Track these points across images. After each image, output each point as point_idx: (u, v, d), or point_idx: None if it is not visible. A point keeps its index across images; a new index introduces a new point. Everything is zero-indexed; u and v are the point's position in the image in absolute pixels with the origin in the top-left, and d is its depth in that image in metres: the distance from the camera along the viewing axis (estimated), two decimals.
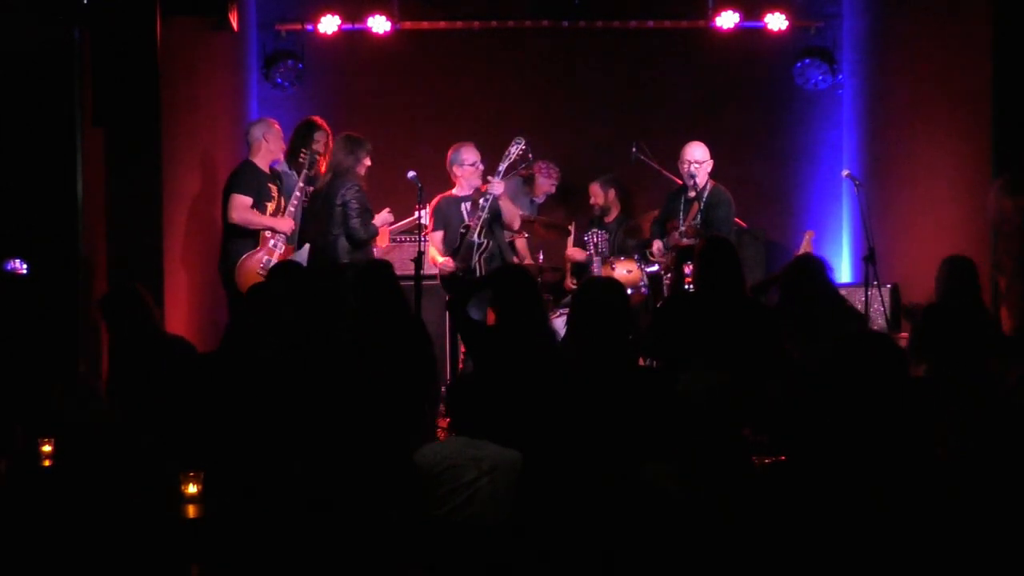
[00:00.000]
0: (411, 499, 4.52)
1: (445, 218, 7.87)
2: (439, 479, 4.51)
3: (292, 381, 4.81)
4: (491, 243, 7.70)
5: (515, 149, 7.82)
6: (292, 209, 7.55)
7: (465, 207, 7.87)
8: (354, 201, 7.40)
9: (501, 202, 7.74)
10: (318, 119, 8.08)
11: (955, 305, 6.12)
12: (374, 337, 5.55)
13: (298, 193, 7.59)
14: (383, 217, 7.84)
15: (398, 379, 5.37)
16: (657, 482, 3.92)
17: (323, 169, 7.93)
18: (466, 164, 7.86)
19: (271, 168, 7.63)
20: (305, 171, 7.63)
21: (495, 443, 4.64)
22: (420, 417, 5.61)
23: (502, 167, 7.80)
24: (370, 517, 4.52)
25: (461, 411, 4.69)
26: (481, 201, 7.68)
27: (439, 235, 7.88)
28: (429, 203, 7.93)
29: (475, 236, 7.66)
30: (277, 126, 7.67)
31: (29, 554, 4.03)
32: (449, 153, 7.95)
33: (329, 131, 7.99)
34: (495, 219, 7.74)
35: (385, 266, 6.02)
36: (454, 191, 7.96)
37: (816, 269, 6.19)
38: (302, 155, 7.69)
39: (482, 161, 7.92)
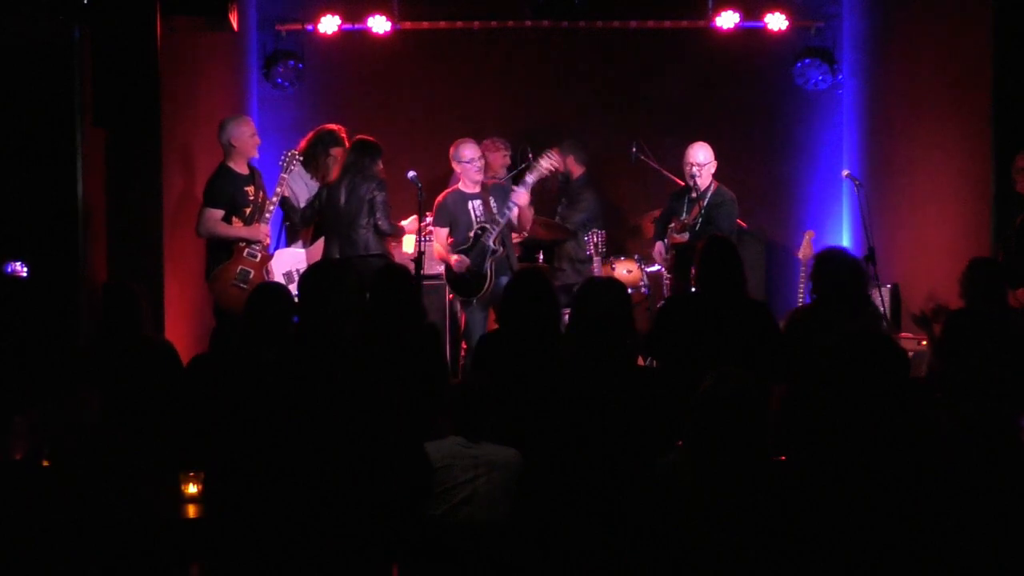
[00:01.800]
0: (420, 500, 4.52)
1: (451, 215, 7.83)
2: (434, 477, 4.51)
3: (295, 383, 4.80)
4: (503, 249, 7.77)
5: (546, 164, 7.86)
6: (269, 217, 7.35)
7: (473, 204, 7.83)
8: (379, 197, 7.65)
9: (521, 210, 7.80)
10: (342, 133, 8.05)
11: (985, 311, 6.02)
12: (383, 341, 5.51)
13: (275, 200, 7.42)
14: (411, 225, 7.97)
15: (406, 384, 5.34)
16: (670, 475, 3.91)
17: (335, 173, 7.89)
18: (463, 160, 7.83)
19: (249, 165, 7.43)
20: (287, 170, 7.49)
21: (500, 444, 4.64)
22: (429, 421, 5.59)
23: (530, 179, 7.81)
24: (371, 518, 4.52)
25: (469, 413, 4.67)
26: (505, 210, 7.73)
27: (444, 232, 7.82)
28: (432, 201, 7.90)
29: (490, 242, 7.71)
30: (245, 124, 7.39)
31: (29, 553, 4.03)
32: (451, 149, 7.93)
33: (349, 147, 7.93)
34: (508, 224, 7.81)
35: (400, 271, 5.98)
36: (459, 186, 7.92)
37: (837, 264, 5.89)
38: (284, 157, 7.55)
39: (481, 157, 7.90)
